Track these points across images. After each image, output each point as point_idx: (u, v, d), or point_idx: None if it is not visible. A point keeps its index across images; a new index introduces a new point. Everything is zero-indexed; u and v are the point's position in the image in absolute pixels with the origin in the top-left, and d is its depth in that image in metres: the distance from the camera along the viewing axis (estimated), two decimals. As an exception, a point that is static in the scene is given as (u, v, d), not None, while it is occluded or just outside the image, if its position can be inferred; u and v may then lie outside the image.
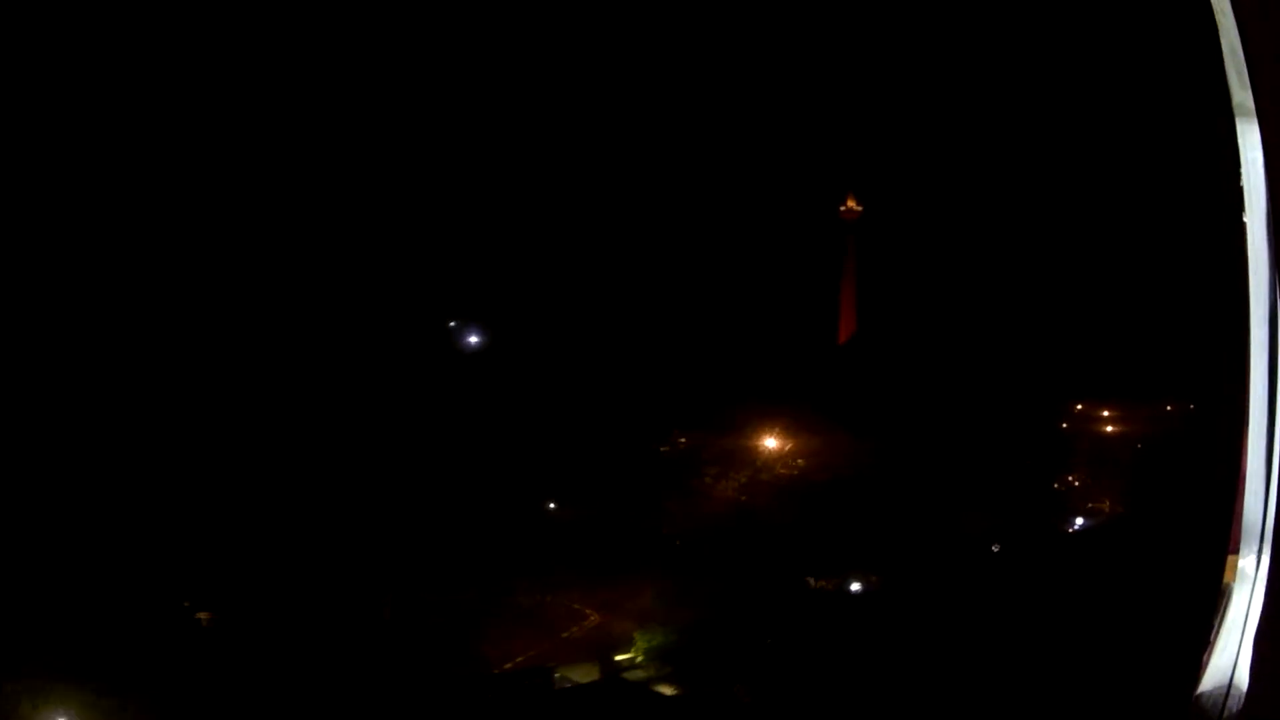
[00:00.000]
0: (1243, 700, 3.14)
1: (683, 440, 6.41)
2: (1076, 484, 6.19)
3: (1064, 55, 5.39)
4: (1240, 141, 3.19)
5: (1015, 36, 5.58)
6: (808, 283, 6.75)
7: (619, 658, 5.95)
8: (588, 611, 6.10)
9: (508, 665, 5.80)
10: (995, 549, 5.89)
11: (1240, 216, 3.23)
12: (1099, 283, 5.75)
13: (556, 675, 5.81)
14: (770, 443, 6.37)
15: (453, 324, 6.26)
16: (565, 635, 6.04)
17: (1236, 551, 3.25)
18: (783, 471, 6.35)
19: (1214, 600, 3.29)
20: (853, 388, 6.42)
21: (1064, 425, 6.36)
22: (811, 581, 6.16)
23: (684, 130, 6.10)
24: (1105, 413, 6.13)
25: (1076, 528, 6.03)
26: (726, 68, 5.96)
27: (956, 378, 6.08)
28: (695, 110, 6.04)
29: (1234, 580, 3.26)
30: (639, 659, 5.93)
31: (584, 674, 5.92)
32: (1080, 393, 6.11)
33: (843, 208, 6.77)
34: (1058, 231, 5.84)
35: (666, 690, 5.77)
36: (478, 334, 6.25)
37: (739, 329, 6.36)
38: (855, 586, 6.10)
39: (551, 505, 6.28)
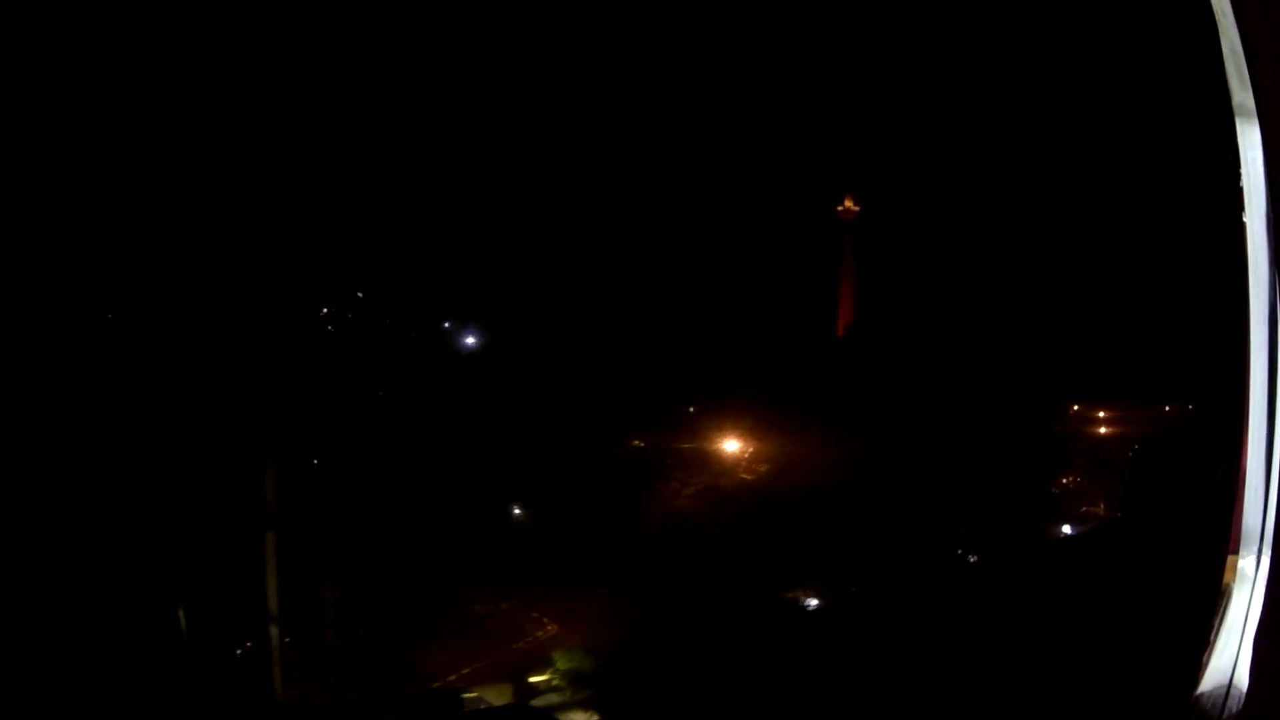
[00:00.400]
0: (1242, 700, 3.16)
1: (656, 442, 6.28)
2: (1074, 485, 6.17)
3: (1063, 54, 5.39)
4: (1240, 141, 3.20)
5: (1013, 35, 5.59)
6: (802, 283, 6.74)
7: (534, 679, 5.70)
8: (545, 621, 5.89)
9: (451, 677, 5.61)
10: (972, 559, 5.83)
11: (1240, 216, 3.24)
12: (1097, 282, 5.75)
13: (471, 695, 5.57)
14: (745, 444, 6.26)
15: (445, 326, 6.19)
16: (517, 646, 5.83)
17: (1236, 552, 3.27)
18: (750, 475, 6.23)
19: (1214, 601, 3.30)
20: (840, 387, 6.37)
21: (1064, 426, 6.34)
22: (772, 596, 5.96)
23: (669, 128, 6.10)
24: (1104, 413, 6.11)
25: (1075, 528, 6.02)
26: (719, 65, 5.96)
27: (949, 378, 6.07)
28: (682, 107, 6.03)
29: (1234, 581, 3.27)
30: (555, 681, 5.66)
31: (498, 694, 5.67)
32: (1078, 394, 6.10)
33: (840, 208, 6.77)
34: (1055, 231, 5.84)
35: (578, 717, 5.49)
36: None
37: (727, 329, 6.33)
38: (813, 602, 5.90)
39: (516, 510, 6.13)
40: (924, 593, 5.66)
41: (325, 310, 5.84)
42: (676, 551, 5.76)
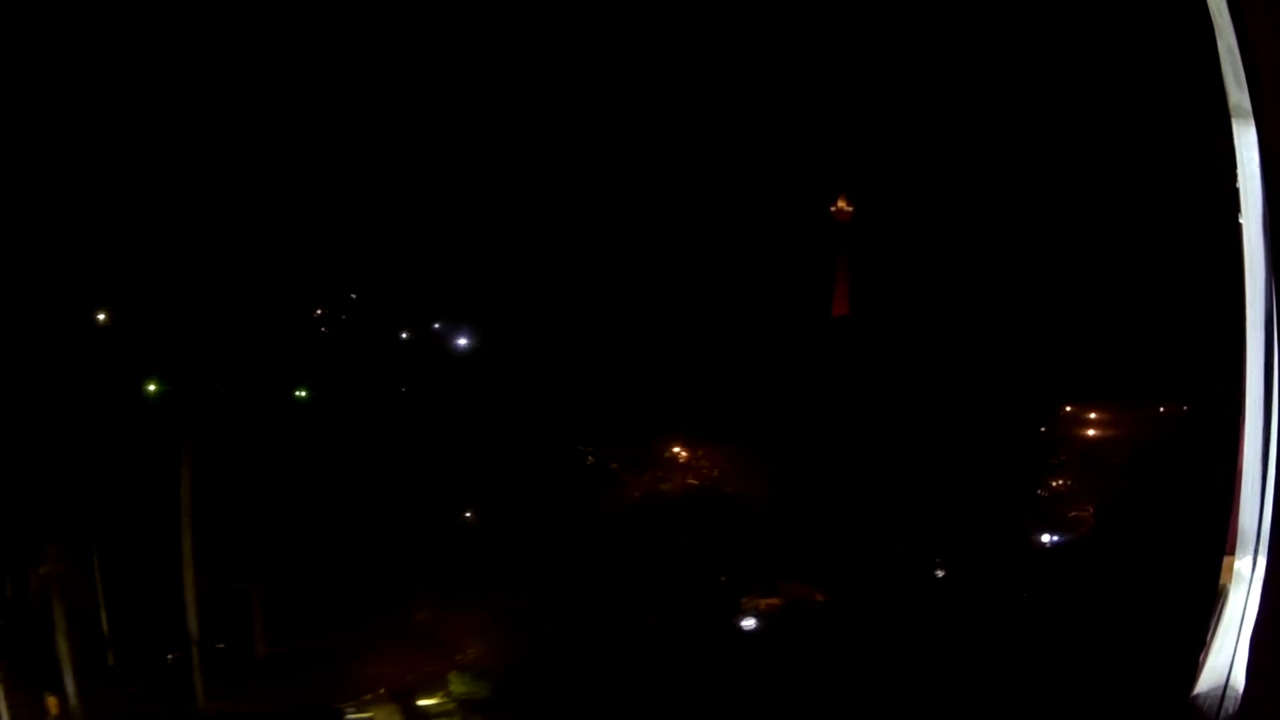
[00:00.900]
0: (1239, 701, 3.16)
1: (612, 447, 6.09)
2: (1071, 486, 6.17)
3: (1059, 55, 5.39)
4: (1236, 142, 3.20)
5: (1008, 36, 5.58)
6: (793, 282, 6.69)
7: (424, 702, 5.48)
8: (490, 629, 5.71)
9: (381, 690, 5.46)
10: (966, 563, 5.76)
11: (1236, 217, 3.24)
12: (1092, 283, 5.74)
13: (365, 715, 5.35)
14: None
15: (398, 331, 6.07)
16: (459, 656, 5.65)
17: (1232, 553, 3.27)
18: (717, 481, 6.05)
19: (1210, 602, 3.30)
20: (825, 384, 6.27)
21: (1061, 428, 6.33)
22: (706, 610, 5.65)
23: (653, 127, 6.06)
24: (1101, 415, 6.10)
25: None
26: (705, 64, 5.94)
27: (941, 380, 6.02)
28: (665, 106, 6.00)
29: (1230, 582, 3.27)
30: (448, 705, 5.43)
31: (387, 716, 5.45)
32: (1073, 396, 6.08)
33: (833, 208, 6.74)
34: (1050, 231, 5.84)
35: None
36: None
37: (716, 326, 6.26)
38: (750, 623, 5.65)
39: (467, 514, 5.99)
40: (912, 599, 5.61)
41: (257, 313, 5.69)
42: (620, 560, 5.59)
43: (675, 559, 5.77)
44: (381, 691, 5.43)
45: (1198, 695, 3.23)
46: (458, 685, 5.46)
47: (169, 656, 5.41)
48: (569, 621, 5.58)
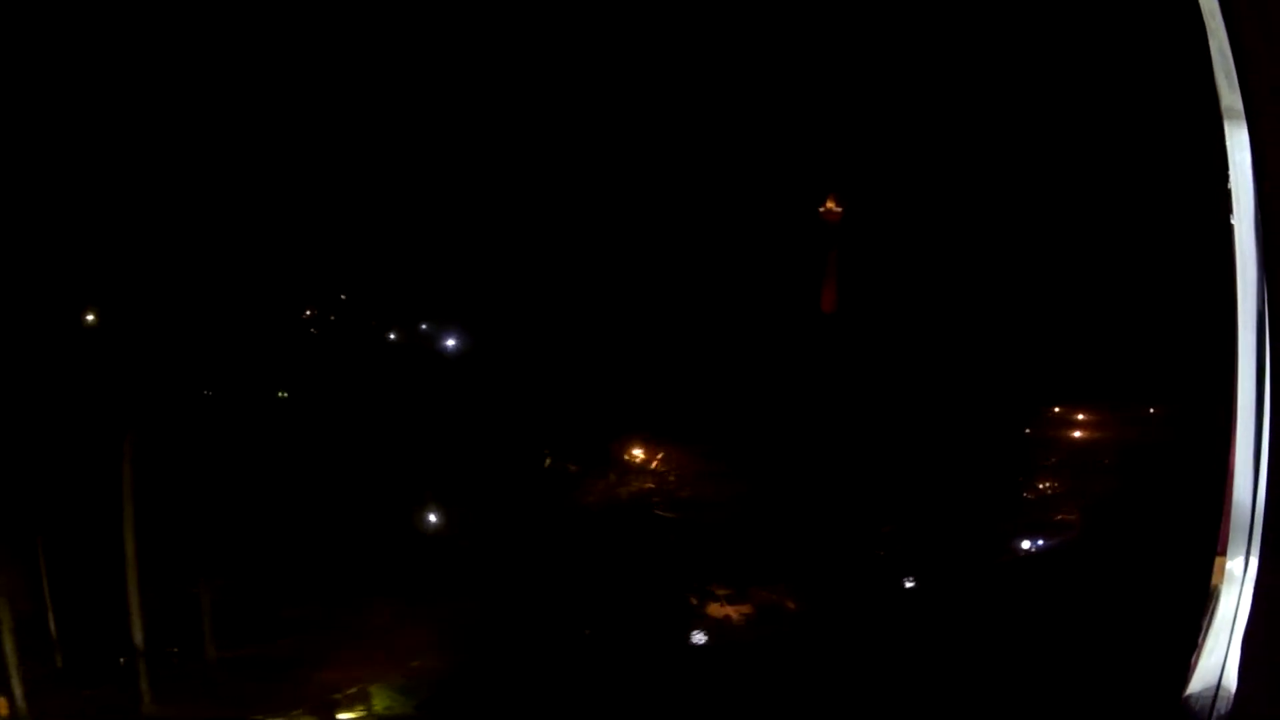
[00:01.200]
0: (1232, 701, 3.18)
1: (575, 447, 5.96)
2: (1064, 485, 6.19)
3: (1048, 55, 5.40)
4: (1228, 143, 3.22)
5: (997, 36, 5.60)
6: (776, 281, 6.68)
7: (343, 717, 5.35)
8: (449, 635, 5.58)
9: (336, 696, 5.37)
10: (924, 578, 5.73)
11: (1228, 219, 3.25)
12: (1082, 283, 5.76)
13: None
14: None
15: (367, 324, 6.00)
16: (416, 664, 5.52)
17: (1224, 554, 3.29)
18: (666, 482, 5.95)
19: (1202, 603, 3.32)
20: (808, 383, 6.20)
21: (1052, 429, 6.33)
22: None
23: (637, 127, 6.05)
24: (1094, 416, 6.12)
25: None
26: (692, 64, 5.94)
27: (925, 378, 6.02)
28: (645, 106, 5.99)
29: (1222, 582, 3.29)
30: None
31: None
32: (1061, 396, 6.10)
33: (822, 209, 6.73)
34: (1040, 231, 5.85)
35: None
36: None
37: (708, 328, 6.23)
38: (700, 638, 5.49)
39: (431, 517, 5.87)
40: (894, 604, 5.59)
41: (208, 296, 5.60)
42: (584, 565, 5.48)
43: (639, 565, 5.66)
44: (300, 711, 5.35)
45: (1190, 696, 3.25)
46: (380, 700, 5.34)
47: (120, 660, 5.35)
48: (510, 632, 5.46)
